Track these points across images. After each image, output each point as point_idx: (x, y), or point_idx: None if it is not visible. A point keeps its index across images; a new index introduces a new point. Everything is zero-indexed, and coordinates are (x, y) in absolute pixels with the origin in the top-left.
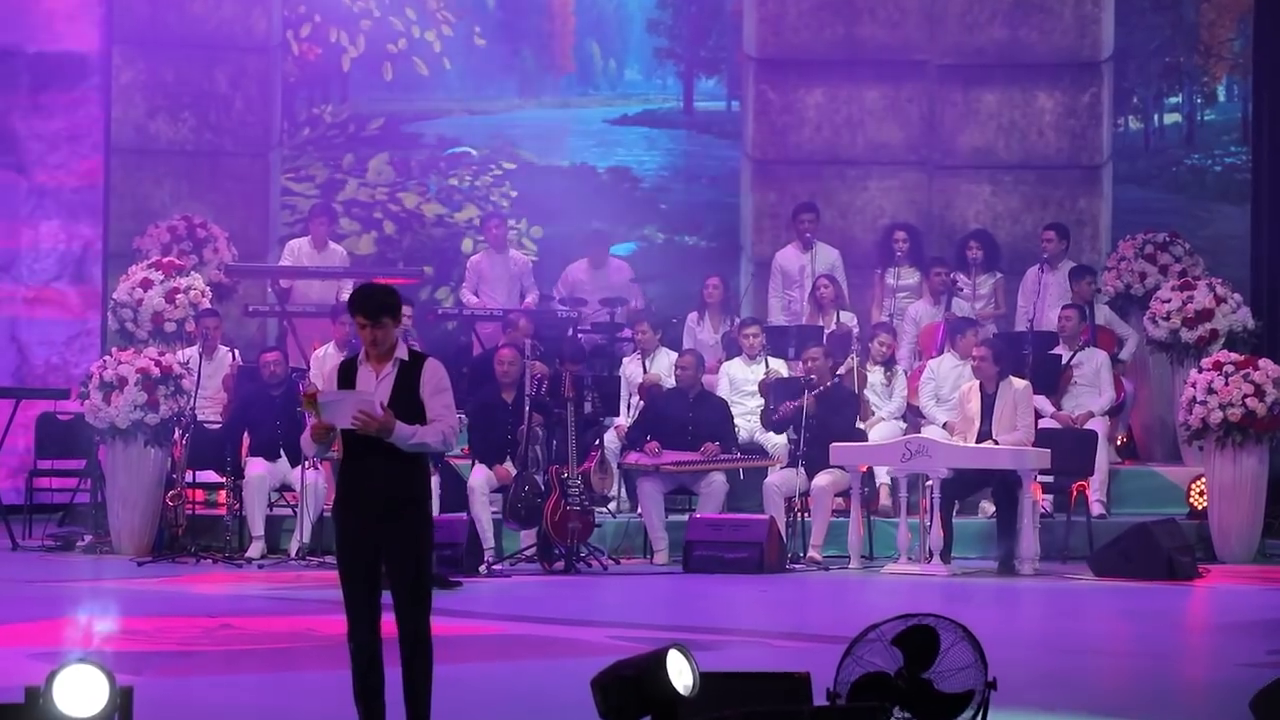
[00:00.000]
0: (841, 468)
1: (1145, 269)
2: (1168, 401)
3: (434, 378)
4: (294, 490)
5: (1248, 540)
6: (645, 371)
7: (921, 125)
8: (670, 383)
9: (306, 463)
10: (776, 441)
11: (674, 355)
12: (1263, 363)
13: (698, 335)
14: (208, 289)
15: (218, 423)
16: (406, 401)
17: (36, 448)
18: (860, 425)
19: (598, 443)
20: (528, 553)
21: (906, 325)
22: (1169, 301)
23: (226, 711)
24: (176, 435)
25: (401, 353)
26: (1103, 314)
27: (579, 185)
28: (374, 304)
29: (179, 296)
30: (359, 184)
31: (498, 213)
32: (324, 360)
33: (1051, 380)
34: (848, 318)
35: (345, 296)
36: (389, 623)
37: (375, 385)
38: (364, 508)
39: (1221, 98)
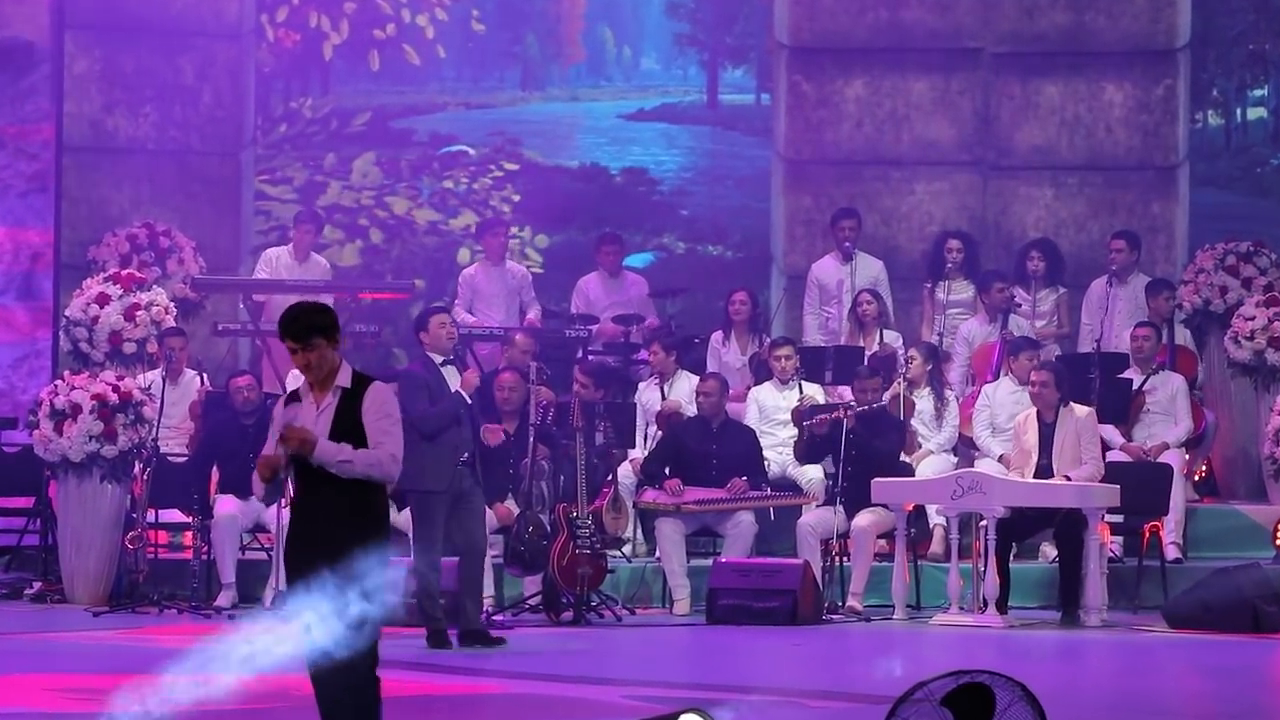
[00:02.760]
0: (885, 506)
1: (1226, 282)
2: (1252, 432)
3: (376, 402)
4: (268, 531)
5: None
6: (664, 398)
7: (975, 121)
8: (691, 411)
9: (281, 500)
10: (812, 477)
11: (695, 380)
12: None
13: (723, 357)
14: (172, 305)
15: (183, 455)
16: (350, 433)
17: None
18: (906, 459)
19: (610, 478)
20: (532, 602)
21: (958, 345)
22: (1253, 319)
23: None
24: (137, 469)
25: (343, 379)
26: (1182, 333)
27: (589, 188)
28: (301, 325)
29: (140, 313)
30: (342, 187)
31: (498, 219)
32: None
33: (1121, 408)
34: (892, 337)
35: None
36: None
37: (315, 418)
38: (311, 546)
39: None
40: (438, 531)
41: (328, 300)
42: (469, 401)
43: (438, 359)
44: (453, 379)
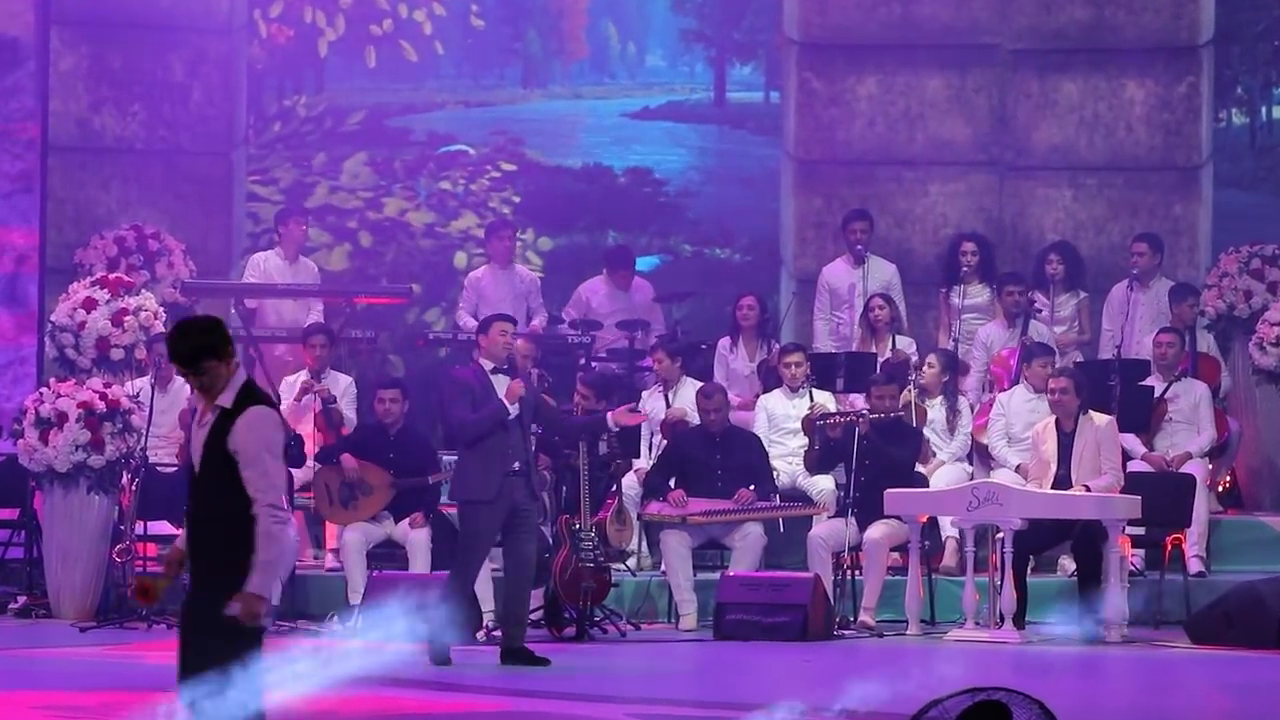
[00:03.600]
0: (898, 518)
1: (1251, 286)
2: (1277, 441)
3: (245, 433)
4: None
5: None
6: (669, 406)
7: (991, 120)
8: (697, 418)
9: None
10: (823, 488)
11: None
12: None
13: (730, 364)
14: (161, 310)
15: (173, 465)
16: (219, 458)
17: None
18: (920, 469)
19: (614, 489)
20: (533, 616)
21: (975, 351)
22: (1278, 324)
23: None
24: (125, 480)
25: (225, 398)
26: (1205, 340)
27: (592, 189)
28: (189, 346)
29: (128, 319)
30: (331, 187)
31: (505, 221)
32: (295, 390)
33: (1143, 416)
34: (905, 343)
35: (314, 318)
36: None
37: (195, 434)
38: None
39: None
40: (480, 543)
41: (318, 306)
42: (511, 411)
43: (489, 366)
44: (503, 387)
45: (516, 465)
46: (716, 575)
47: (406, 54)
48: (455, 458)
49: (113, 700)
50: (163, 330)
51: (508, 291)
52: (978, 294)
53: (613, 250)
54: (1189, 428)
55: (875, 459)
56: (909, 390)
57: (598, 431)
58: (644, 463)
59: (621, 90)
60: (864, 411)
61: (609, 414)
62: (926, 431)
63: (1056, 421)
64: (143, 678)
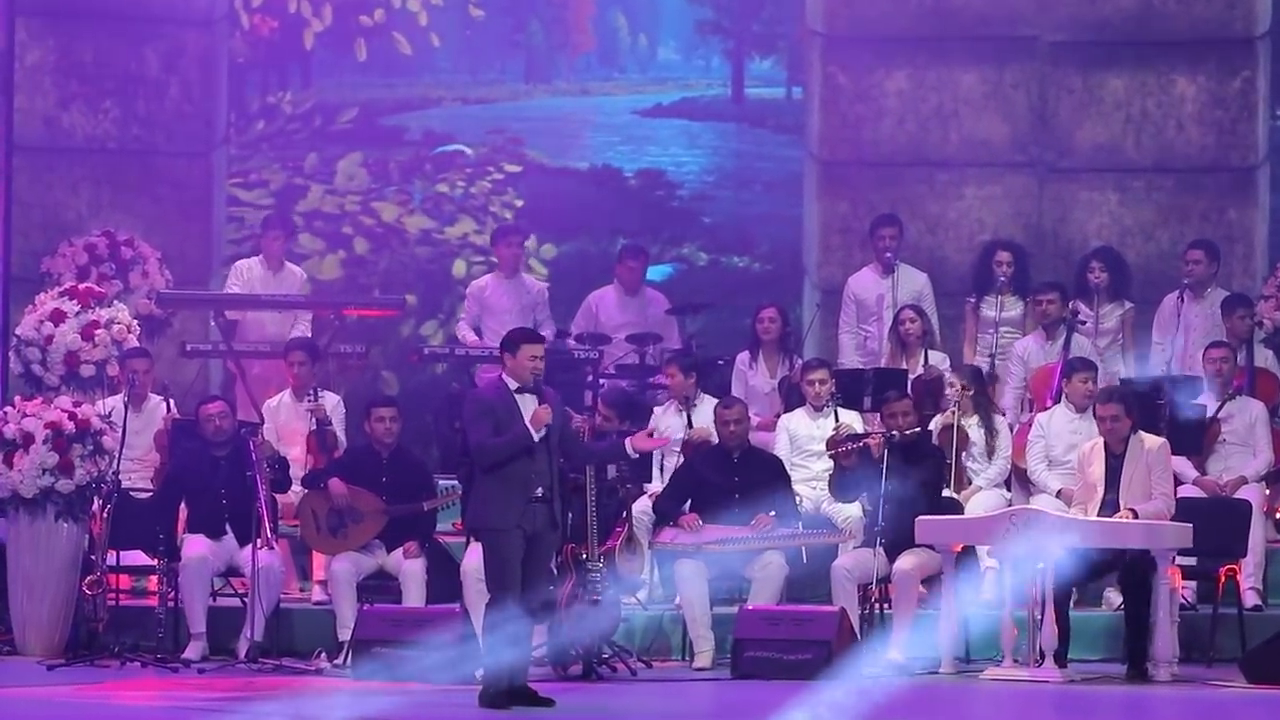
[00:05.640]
0: (930, 547)
1: None
2: None
3: None
4: (242, 575)
5: None
6: (690, 425)
7: (1030, 117)
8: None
9: (259, 541)
10: (849, 514)
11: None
12: None
13: (749, 380)
14: (135, 323)
15: (148, 490)
16: None
17: None
18: (954, 494)
19: (624, 515)
20: (537, 653)
21: (1013, 366)
22: None
23: None
24: (96, 506)
25: None
26: (1263, 354)
27: (601, 193)
28: None
29: (99, 332)
30: (324, 191)
31: (514, 227)
32: (279, 412)
33: (1194, 438)
34: (938, 359)
35: (300, 331)
36: None
37: None
38: None
39: None
40: (510, 569)
41: (306, 318)
42: (535, 438)
43: (514, 385)
44: (529, 409)
45: (540, 492)
46: (734, 609)
47: (400, 47)
48: (454, 482)
49: None
50: (137, 344)
51: (514, 302)
52: (1012, 306)
53: (624, 246)
54: (1244, 450)
55: (896, 483)
56: (952, 412)
57: (618, 460)
58: (655, 486)
59: (632, 86)
60: (878, 433)
61: (628, 441)
62: (964, 457)
63: (1105, 443)
64: (115, 719)
